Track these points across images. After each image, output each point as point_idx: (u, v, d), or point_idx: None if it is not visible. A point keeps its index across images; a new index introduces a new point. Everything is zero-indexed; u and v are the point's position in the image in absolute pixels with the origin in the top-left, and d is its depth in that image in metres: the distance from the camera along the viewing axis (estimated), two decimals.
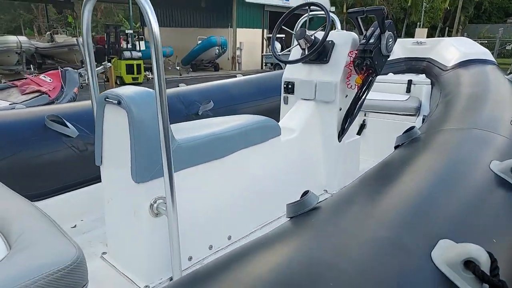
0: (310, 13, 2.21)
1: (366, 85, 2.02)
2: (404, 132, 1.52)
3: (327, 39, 2.11)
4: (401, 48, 3.45)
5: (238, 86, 2.66)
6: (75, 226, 1.78)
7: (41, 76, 5.62)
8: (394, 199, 0.90)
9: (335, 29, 2.45)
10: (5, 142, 1.63)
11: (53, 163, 1.74)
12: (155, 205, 1.29)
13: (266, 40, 17.76)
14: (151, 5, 1.04)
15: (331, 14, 2.17)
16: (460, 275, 0.65)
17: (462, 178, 1.01)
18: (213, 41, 15.52)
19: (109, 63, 6.69)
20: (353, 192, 0.98)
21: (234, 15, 16.84)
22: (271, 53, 2.13)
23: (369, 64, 1.91)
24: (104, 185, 1.42)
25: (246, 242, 1.11)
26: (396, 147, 1.51)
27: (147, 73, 13.45)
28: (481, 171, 1.05)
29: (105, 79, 12.28)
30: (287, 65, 2.26)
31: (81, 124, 1.86)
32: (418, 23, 19.98)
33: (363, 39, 1.99)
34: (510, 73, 2.59)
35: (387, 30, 1.92)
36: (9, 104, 4.93)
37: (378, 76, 3.40)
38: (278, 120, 2.16)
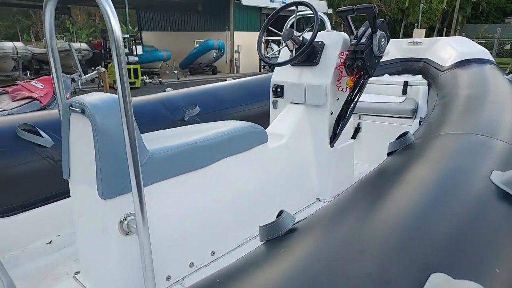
0: (299, 13, 2.12)
1: (358, 88, 1.92)
2: (397, 138, 1.43)
3: (316, 40, 2.02)
4: (397, 49, 3.36)
5: (226, 90, 2.56)
6: (50, 242, 1.68)
7: (33, 82, 5.53)
8: (382, 221, 0.80)
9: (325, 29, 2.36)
10: None
11: (25, 175, 1.64)
12: (125, 222, 1.18)
13: (263, 43, 17.71)
14: (112, 6, 0.94)
15: (320, 14, 2.08)
16: None
17: (459, 193, 0.90)
18: (210, 44, 15.45)
19: (102, 68, 6.59)
20: (336, 210, 0.88)
21: (231, 18, 16.80)
22: (259, 55, 2.03)
23: (360, 65, 1.81)
24: (73, 200, 1.32)
25: (230, 257, 0.99)
26: (389, 154, 1.41)
27: (144, 77, 13.39)
28: (480, 184, 0.95)
29: (101, 84, 12.23)
30: (275, 67, 2.17)
31: (57, 133, 1.76)
32: (416, 24, 19.92)
33: (354, 39, 1.90)
34: (510, 73, 2.49)
35: (378, 30, 1.83)
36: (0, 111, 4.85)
37: (372, 78, 3.32)
38: (268, 125, 2.07)
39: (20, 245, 1.61)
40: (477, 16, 26.84)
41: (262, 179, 1.72)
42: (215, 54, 15.74)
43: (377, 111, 2.81)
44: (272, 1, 18.09)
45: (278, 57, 2.17)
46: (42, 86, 5.50)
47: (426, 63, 3.03)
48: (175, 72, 15.13)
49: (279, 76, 2.14)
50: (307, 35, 1.99)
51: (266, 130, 1.99)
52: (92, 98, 1.17)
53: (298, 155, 1.97)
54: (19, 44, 12.86)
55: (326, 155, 2.04)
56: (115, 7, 0.96)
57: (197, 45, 16.00)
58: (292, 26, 2.15)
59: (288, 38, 1.91)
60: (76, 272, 1.44)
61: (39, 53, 15.01)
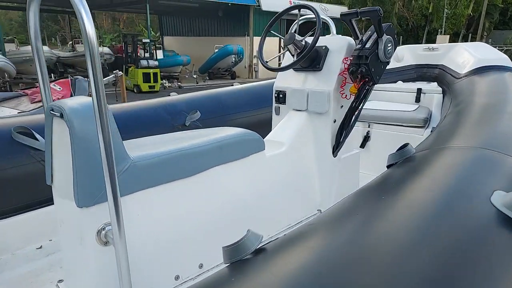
0: (303, 17, 2.05)
1: (362, 95, 1.82)
2: (397, 150, 1.33)
3: (321, 45, 1.94)
4: (412, 54, 3.23)
5: (230, 95, 2.51)
6: (40, 247, 1.66)
7: (52, 85, 5.67)
8: (362, 249, 0.72)
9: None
10: None
11: (20, 178, 1.64)
12: (103, 232, 1.14)
13: (283, 48, 17.66)
14: (87, 7, 0.91)
15: (325, 17, 2.01)
16: None
17: (453, 217, 0.80)
18: (229, 49, 15.54)
19: (120, 72, 6.70)
20: (312, 230, 0.81)
21: (251, 23, 16.85)
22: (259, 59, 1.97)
23: (364, 71, 1.72)
24: (55, 207, 1.29)
25: (220, 270, 0.93)
26: (389, 167, 1.32)
27: (164, 81, 13.58)
28: (479, 206, 0.85)
29: (119, 88, 12.48)
30: (278, 73, 2.10)
31: None
32: (439, 30, 19.42)
33: (359, 44, 1.81)
34: None
35: (385, 34, 1.74)
36: (18, 113, 4.98)
37: (385, 85, 3.20)
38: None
39: (11, 249, 1.60)
40: (505, 22, 25.91)
41: (258, 188, 1.65)
42: (234, 59, 15.81)
43: (387, 120, 2.69)
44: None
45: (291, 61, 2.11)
46: (60, 88, 5.63)
47: (442, 70, 2.90)
48: (194, 76, 15.28)
49: (281, 81, 2.07)
50: (311, 40, 1.92)
51: (266, 137, 1.93)
52: (73, 102, 1.14)
53: (299, 164, 1.89)
54: (44, 48, 13.29)
55: (329, 165, 1.95)
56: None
57: (217, 50, 16.13)
58: (296, 30, 2.08)
59: (289, 43, 1.84)
60: (60, 280, 1.41)
61: (64, 57, 15.52)
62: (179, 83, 14.06)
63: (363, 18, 1.79)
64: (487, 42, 21.58)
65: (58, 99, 6.00)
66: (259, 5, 16.46)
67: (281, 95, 2.05)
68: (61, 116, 1.09)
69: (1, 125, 1.68)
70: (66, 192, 1.15)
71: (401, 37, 21.29)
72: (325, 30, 1.98)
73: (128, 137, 1.70)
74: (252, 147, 1.59)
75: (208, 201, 1.41)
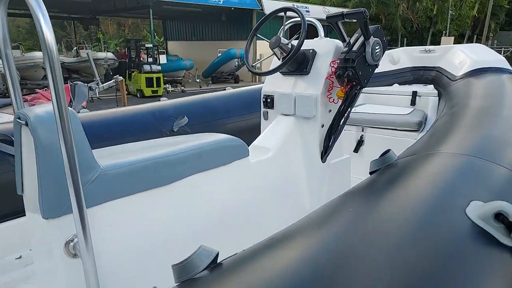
0: (292, 20, 2.01)
1: (350, 99, 1.78)
2: (380, 156, 1.28)
3: (308, 48, 1.90)
4: (408, 57, 3.18)
5: (220, 100, 2.48)
6: (20, 257, 1.63)
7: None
8: (320, 266, 0.67)
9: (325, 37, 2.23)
10: None
11: (1, 186, 1.61)
12: (71, 244, 1.10)
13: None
14: (45, 11, 0.88)
15: (312, 20, 1.97)
16: None
17: (425, 231, 0.75)
18: (232, 53, 15.57)
19: (120, 77, 6.72)
20: (272, 245, 0.76)
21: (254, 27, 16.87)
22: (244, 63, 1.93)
23: (351, 75, 1.68)
24: (27, 217, 1.25)
25: None
26: (371, 173, 1.27)
27: (167, 86, 13.63)
28: (453, 218, 0.79)
29: (126, 92, 12.54)
30: (267, 77, 2.07)
31: None
32: (444, 31, 19.27)
33: (346, 46, 1.77)
34: None
35: (372, 36, 1.69)
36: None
37: (380, 88, 3.15)
38: None
39: None
40: (511, 22, 25.65)
41: (242, 196, 1.60)
42: (237, 63, 15.83)
43: (381, 123, 2.64)
44: None
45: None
46: None
47: (438, 72, 2.84)
48: (198, 81, 15.32)
49: (269, 86, 2.03)
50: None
51: (253, 143, 1.88)
52: (39, 109, 1.11)
53: (286, 170, 1.85)
54: None
55: (317, 171, 1.91)
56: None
57: (220, 54, 16.16)
58: (282, 33, 2.04)
59: (275, 46, 1.81)
60: None
61: (68, 63, 15.65)
62: (182, 88, 14.10)
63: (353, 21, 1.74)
64: (492, 43, 21.36)
65: None
66: (262, 9, 16.47)
67: (269, 100, 2.02)
68: (26, 124, 1.07)
69: None
70: (34, 203, 1.12)
71: (405, 39, 21.17)
72: (329, 33, 1.93)
73: (114, 144, 1.67)
74: (235, 154, 1.55)
75: (186, 211, 1.37)
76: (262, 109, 2.07)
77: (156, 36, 24.67)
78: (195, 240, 1.40)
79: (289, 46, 1.81)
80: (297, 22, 2.02)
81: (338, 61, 1.77)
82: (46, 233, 1.10)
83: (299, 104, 1.87)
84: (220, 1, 16.00)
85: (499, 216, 0.76)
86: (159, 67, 12.69)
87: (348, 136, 2.79)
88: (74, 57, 16.13)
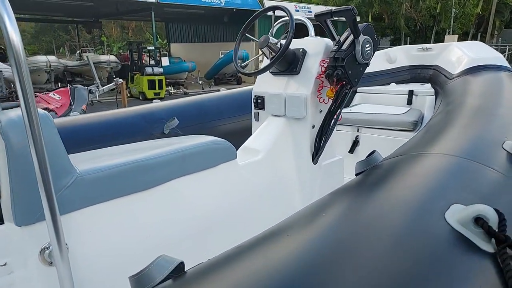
0: (281, 19, 1.98)
1: (340, 99, 1.74)
2: (366, 157, 1.25)
3: (298, 47, 1.87)
4: (406, 56, 3.13)
5: (212, 102, 2.45)
6: (5, 264, 1.61)
7: (51, 94, 5.72)
8: (291, 269, 0.64)
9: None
10: None
11: None
12: (47, 251, 1.07)
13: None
14: (11, 12, 0.85)
15: (302, 18, 1.94)
16: None
17: (402, 237, 0.71)
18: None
19: (120, 80, 6.72)
20: (241, 253, 0.73)
21: (256, 28, 16.86)
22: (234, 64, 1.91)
23: (340, 74, 1.64)
24: (5, 223, 1.23)
25: None
26: (357, 175, 1.23)
27: (169, 88, 13.65)
28: (432, 223, 0.75)
29: (128, 95, 12.58)
30: (257, 77, 2.04)
31: None
32: (448, 30, 19.12)
33: (336, 45, 1.73)
34: None
35: (361, 34, 1.65)
36: None
37: (377, 87, 3.11)
38: None
39: None
40: None
41: (230, 200, 1.57)
42: (240, 63, 15.81)
43: (376, 123, 2.59)
44: (298, 10, 18.04)
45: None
46: (59, 97, 5.67)
47: (436, 71, 2.79)
48: (200, 82, 15.33)
49: (260, 86, 2.00)
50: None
51: (243, 144, 1.85)
52: (13, 113, 1.08)
53: (277, 173, 1.81)
54: (52, 58, 13.53)
55: (309, 173, 1.87)
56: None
57: (222, 55, 16.16)
58: (272, 33, 2.01)
59: (263, 46, 1.78)
60: None
61: (72, 66, 15.75)
62: (185, 89, 14.12)
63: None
64: (497, 40, 21.14)
65: (57, 108, 5.99)
66: None
67: (259, 101, 1.98)
68: None
69: None
70: (8, 209, 1.10)
71: (408, 38, 21.04)
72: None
73: (103, 147, 1.65)
74: (221, 156, 1.52)
75: (168, 216, 1.34)
76: (253, 110, 2.04)
77: (159, 39, 24.79)
78: (178, 247, 1.37)
79: (278, 45, 1.77)
80: (287, 22, 1.99)
81: (328, 60, 1.74)
82: (20, 241, 1.08)
83: (289, 104, 1.84)
84: (222, 3, 16.02)
85: (479, 221, 0.72)
86: (161, 70, 12.72)
87: (343, 136, 2.75)
88: (77, 60, 16.23)
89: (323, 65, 1.77)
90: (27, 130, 0.90)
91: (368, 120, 2.62)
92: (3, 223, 1.64)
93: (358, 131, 2.70)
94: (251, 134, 2.07)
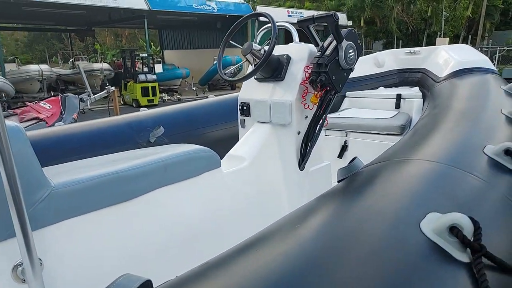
0: (266, 26, 1.98)
1: (325, 104, 1.73)
2: (348, 163, 1.23)
3: (282, 54, 1.86)
4: (394, 59, 3.14)
5: (200, 109, 2.44)
6: None
7: (41, 103, 5.68)
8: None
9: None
10: None
11: None
12: (20, 268, 1.04)
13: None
14: None
15: (285, 24, 1.94)
16: None
17: (377, 249, 0.69)
18: (228, 60, 15.58)
19: (112, 87, 6.69)
20: (207, 268, 0.71)
21: (249, 34, 16.93)
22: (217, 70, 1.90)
23: (324, 80, 1.63)
24: None
25: None
26: (339, 181, 1.22)
27: (163, 94, 13.63)
28: (407, 232, 0.74)
29: (122, 102, 12.54)
30: (243, 84, 2.03)
31: None
32: (439, 32, 19.30)
33: (319, 51, 1.73)
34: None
35: (344, 40, 1.65)
36: None
37: (365, 91, 3.11)
38: None
39: None
40: (507, 22, 25.67)
41: (214, 209, 1.54)
42: (233, 70, 15.84)
43: (364, 128, 2.58)
44: (290, 15, 18.13)
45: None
46: (49, 107, 5.63)
47: (424, 74, 2.80)
48: (194, 89, 15.32)
49: (245, 93, 1.99)
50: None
51: (228, 152, 1.84)
52: None
53: (263, 180, 1.80)
54: (44, 67, 13.47)
55: (296, 179, 1.85)
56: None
57: (216, 62, 16.17)
58: (256, 40, 2.01)
59: (247, 52, 1.77)
60: None
61: (65, 75, 15.70)
62: (179, 96, 14.10)
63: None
64: (488, 43, 21.36)
65: (48, 117, 5.94)
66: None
67: (245, 107, 1.97)
68: None
69: None
70: None
71: (400, 41, 21.21)
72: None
73: (89, 156, 1.62)
74: (204, 165, 1.50)
75: (149, 228, 1.31)
76: (239, 117, 2.03)
77: (152, 46, 24.79)
78: (159, 259, 1.34)
79: (262, 52, 1.77)
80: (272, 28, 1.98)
81: (312, 66, 1.73)
82: None
83: (274, 111, 1.83)
84: (214, 9, 16.07)
85: (454, 230, 0.70)
86: (154, 76, 12.71)
87: (332, 141, 2.74)
88: (70, 69, 16.18)
89: (307, 71, 1.76)
90: None
91: (357, 125, 2.61)
92: None
93: (346, 135, 2.69)
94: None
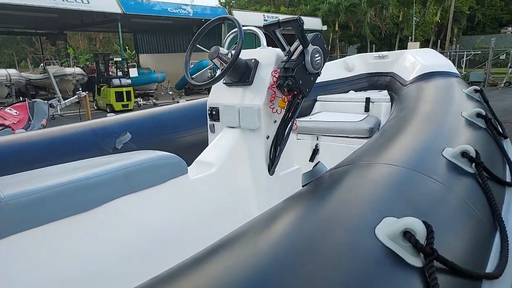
0: (233, 30, 1.97)
1: (293, 108, 1.73)
2: (312, 168, 1.23)
3: (250, 58, 1.86)
4: (364, 63, 3.20)
5: (171, 114, 2.40)
6: None
7: (7, 109, 5.45)
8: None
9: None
10: None
11: None
12: None
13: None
14: None
15: (252, 28, 1.93)
16: None
17: (332, 256, 0.68)
18: (205, 64, 15.48)
19: (83, 92, 6.51)
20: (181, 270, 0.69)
21: (224, 37, 16.91)
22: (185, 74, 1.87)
23: (291, 84, 1.64)
24: None
25: None
26: (304, 186, 1.22)
27: (138, 99, 13.39)
28: (362, 238, 0.73)
29: (95, 108, 12.22)
30: (212, 89, 2.01)
31: None
32: (410, 37, 19.95)
33: (286, 55, 1.73)
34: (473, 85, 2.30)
35: (310, 44, 1.66)
36: None
37: (335, 95, 3.15)
38: None
39: None
40: (473, 27, 26.86)
41: (181, 217, 1.51)
42: (209, 73, 15.77)
43: (334, 131, 2.61)
44: (266, 20, 18.24)
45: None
46: (16, 113, 5.42)
47: (392, 78, 2.86)
48: (170, 93, 15.15)
49: (214, 97, 1.97)
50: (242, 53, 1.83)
51: (197, 158, 1.81)
52: None
53: (233, 185, 1.78)
54: (12, 71, 12.98)
55: (266, 184, 1.84)
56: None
57: (192, 65, 16.06)
58: (224, 44, 1.99)
59: (214, 57, 1.76)
60: None
61: (35, 79, 15.18)
62: (155, 101, 13.90)
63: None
64: (456, 47, 22.23)
65: (14, 123, 5.71)
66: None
67: (214, 112, 1.95)
68: None
69: None
70: None
71: (374, 45, 21.76)
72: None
73: (51, 165, 1.55)
74: (169, 172, 1.47)
75: (109, 240, 1.26)
76: (209, 122, 2.01)
77: (127, 50, 24.36)
78: (123, 272, 1.30)
79: (229, 56, 1.75)
80: (245, 32, 1.97)
81: (279, 70, 1.73)
82: None
83: (243, 115, 1.81)
84: (190, 13, 15.98)
85: (407, 234, 0.71)
86: (129, 81, 12.47)
87: (303, 145, 2.76)
88: (40, 73, 15.66)
89: (274, 76, 1.76)
90: None
91: (327, 128, 2.64)
92: None
93: (317, 139, 2.71)
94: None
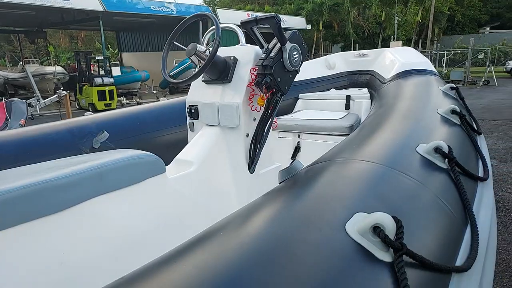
0: (211, 28, 1.95)
1: (272, 106, 1.73)
2: (290, 164, 1.23)
3: (229, 55, 1.85)
4: (344, 62, 3.23)
5: (151, 113, 2.36)
6: None
7: None
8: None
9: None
10: None
11: None
12: None
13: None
14: None
15: (230, 25, 1.92)
16: None
17: (305, 252, 0.68)
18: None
19: (64, 92, 6.37)
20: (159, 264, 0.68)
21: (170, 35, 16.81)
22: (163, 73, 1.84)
23: (269, 82, 1.63)
24: None
25: None
26: (280, 183, 1.21)
27: (121, 98, 13.18)
28: (333, 233, 0.73)
29: (77, 107, 11.98)
30: (191, 87, 1.99)
31: None
32: (392, 36, 20.27)
33: (264, 53, 1.73)
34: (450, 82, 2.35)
35: (288, 42, 1.66)
36: None
37: (316, 93, 3.17)
38: None
39: None
40: (453, 27, 27.49)
41: (159, 215, 1.49)
42: (194, 71, 15.66)
43: (315, 129, 2.63)
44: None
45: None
46: None
47: (372, 76, 2.90)
48: (154, 92, 14.98)
49: (193, 95, 1.95)
50: (220, 51, 1.82)
51: (176, 156, 1.79)
52: None
53: (212, 184, 1.76)
54: None
55: (246, 182, 1.84)
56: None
57: (176, 64, 15.92)
58: (202, 41, 1.97)
59: (191, 54, 1.74)
60: None
61: (14, 78, 14.78)
62: (138, 100, 13.72)
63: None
64: (437, 46, 22.70)
65: None
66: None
67: (193, 110, 1.93)
68: None
69: None
70: None
71: (357, 44, 22.02)
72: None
73: (25, 165, 1.51)
74: (146, 171, 1.44)
75: (84, 241, 1.24)
76: (188, 120, 1.99)
77: (110, 48, 23.97)
78: (98, 273, 1.27)
79: (207, 53, 1.74)
80: (223, 29, 1.96)
81: (258, 68, 1.73)
82: None
83: (222, 113, 1.80)
84: (173, 11, 15.82)
85: (376, 229, 0.71)
86: (111, 80, 12.26)
87: (285, 143, 2.77)
88: (19, 72, 15.25)
89: (253, 73, 1.75)
90: None
91: (308, 126, 2.65)
92: None
93: (299, 137, 2.72)
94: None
